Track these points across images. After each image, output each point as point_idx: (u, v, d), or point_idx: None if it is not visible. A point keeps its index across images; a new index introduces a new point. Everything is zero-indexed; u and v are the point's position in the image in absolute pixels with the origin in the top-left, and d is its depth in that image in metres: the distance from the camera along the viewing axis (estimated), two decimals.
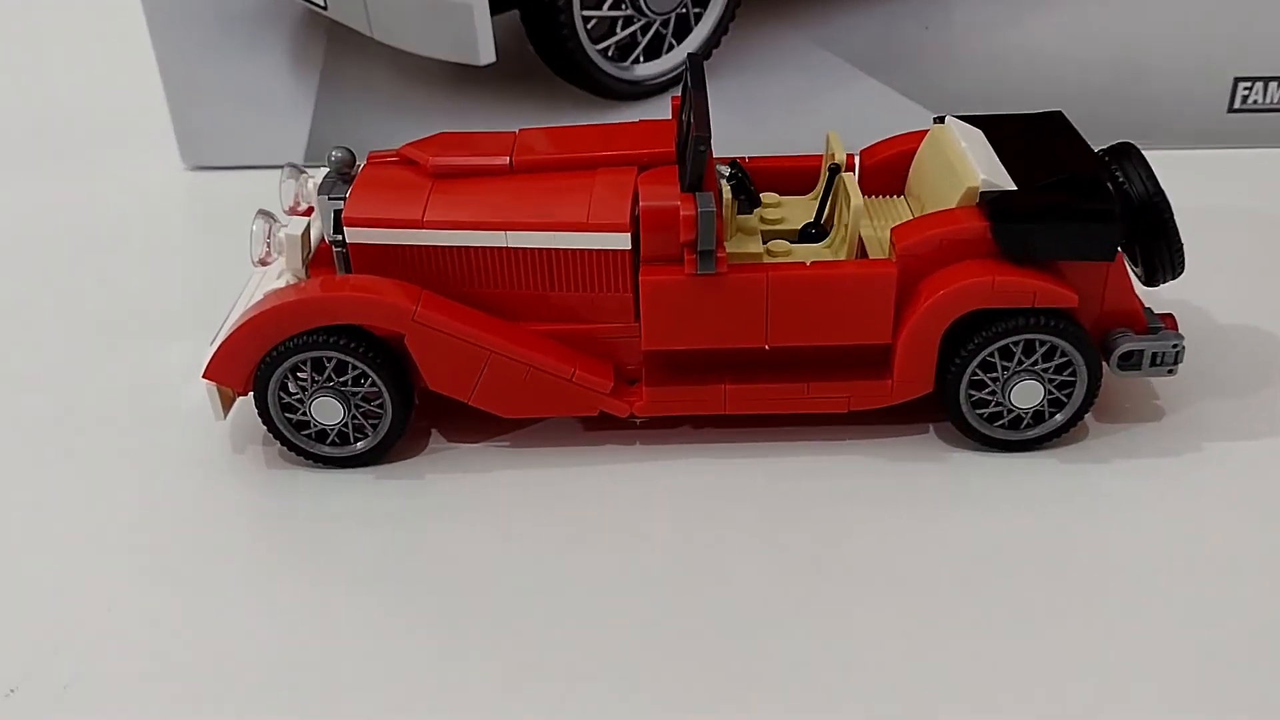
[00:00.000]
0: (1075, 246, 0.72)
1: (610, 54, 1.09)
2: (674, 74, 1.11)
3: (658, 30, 1.09)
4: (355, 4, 1.06)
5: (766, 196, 0.84)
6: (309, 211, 0.82)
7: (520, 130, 0.80)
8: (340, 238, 0.75)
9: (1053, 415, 0.75)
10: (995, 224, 0.71)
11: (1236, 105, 1.10)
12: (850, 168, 0.84)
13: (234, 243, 0.97)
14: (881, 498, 0.73)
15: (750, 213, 0.79)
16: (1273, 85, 1.09)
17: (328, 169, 0.78)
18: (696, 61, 0.80)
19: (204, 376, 0.74)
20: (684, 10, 1.08)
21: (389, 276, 0.74)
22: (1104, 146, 0.80)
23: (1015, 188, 0.73)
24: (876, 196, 0.84)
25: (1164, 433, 0.78)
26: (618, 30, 1.08)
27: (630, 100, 1.12)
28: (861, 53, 1.10)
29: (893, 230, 0.74)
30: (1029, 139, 0.79)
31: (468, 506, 0.74)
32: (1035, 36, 1.09)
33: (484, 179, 0.76)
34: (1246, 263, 0.96)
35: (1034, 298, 0.71)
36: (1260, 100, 1.10)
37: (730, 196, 0.76)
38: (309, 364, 0.73)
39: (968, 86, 1.11)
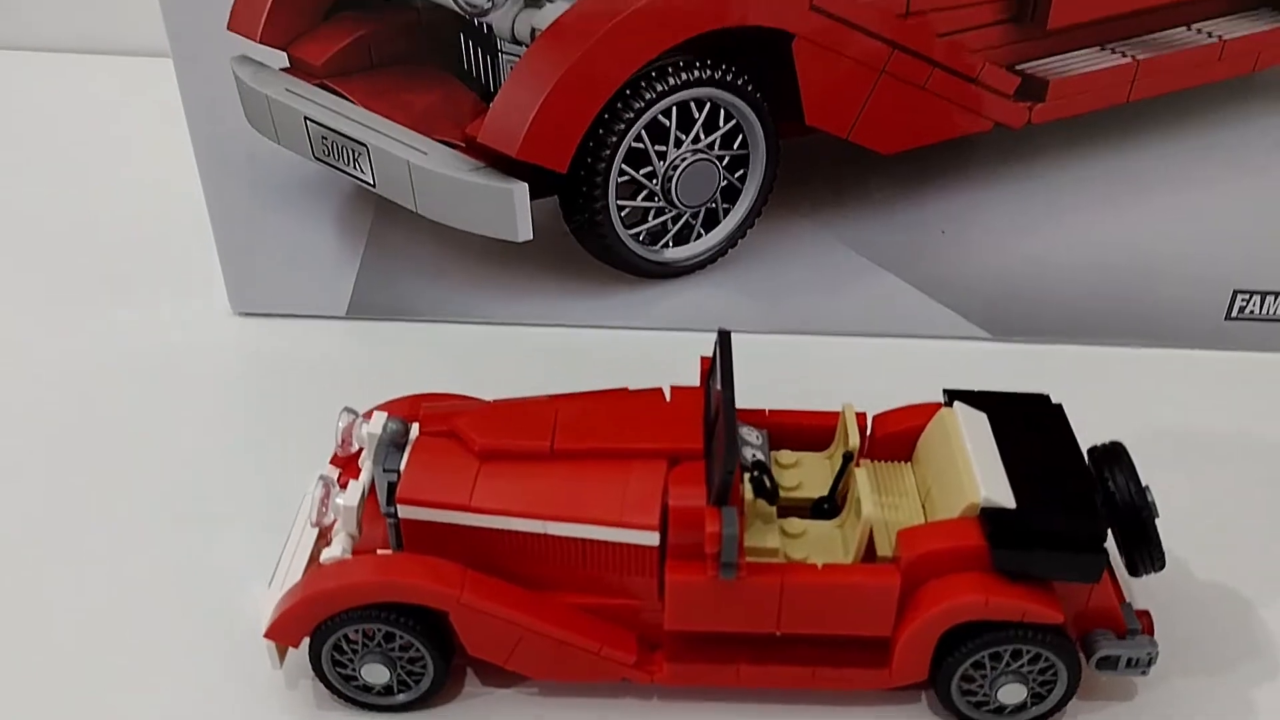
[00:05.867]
0: (1065, 571, 0.79)
1: (641, 238, 1.15)
2: (700, 258, 1.17)
3: (687, 220, 1.15)
4: (402, 184, 1.11)
5: (783, 456, 0.90)
6: (358, 454, 0.89)
7: (559, 405, 0.86)
8: (393, 510, 0.82)
9: (1033, 705, 0.82)
10: (994, 549, 0.78)
11: (1234, 314, 1.16)
12: (862, 427, 0.90)
13: (281, 402, 1.11)
14: None
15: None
16: (1269, 298, 1.15)
17: (381, 434, 0.85)
18: (726, 340, 0.86)
19: (265, 636, 0.81)
20: (714, 205, 1.14)
21: (437, 548, 0.81)
22: (1096, 445, 0.86)
23: (1014, 504, 0.80)
24: (885, 462, 0.91)
25: (1141, 713, 0.85)
26: (649, 218, 1.14)
27: (658, 279, 1.18)
28: (881, 250, 1.16)
29: (899, 535, 0.80)
30: (1029, 433, 0.85)
31: None
32: (1047, 244, 1.14)
33: (526, 463, 0.82)
34: (1231, 503, 1.03)
35: (1023, 615, 0.78)
36: (1256, 311, 1.16)
37: (751, 497, 0.82)
38: (360, 630, 0.81)
39: (980, 285, 1.17)
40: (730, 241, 1.16)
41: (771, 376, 1.13)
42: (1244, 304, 1.16)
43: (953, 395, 0.89)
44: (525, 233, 1.11)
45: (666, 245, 1.15)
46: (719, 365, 0.84)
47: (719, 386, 0.83)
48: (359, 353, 1.19)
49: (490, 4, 1.03)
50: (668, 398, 0.88)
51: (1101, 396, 1.14)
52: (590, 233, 1.13)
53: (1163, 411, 1.13)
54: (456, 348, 1.19)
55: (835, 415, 0.92)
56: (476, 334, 1.21)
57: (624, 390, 0.89)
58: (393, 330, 1.21)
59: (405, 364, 1.18)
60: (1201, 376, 1.17)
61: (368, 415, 0.90)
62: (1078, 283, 1.16)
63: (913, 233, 1.14)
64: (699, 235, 1.15)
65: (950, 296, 1.17)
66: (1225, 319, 1.17)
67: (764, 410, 0.92)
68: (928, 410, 0.90)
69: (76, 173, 1.46)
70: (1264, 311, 1.16)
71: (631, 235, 1.14)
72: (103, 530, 0.98)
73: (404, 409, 0.90)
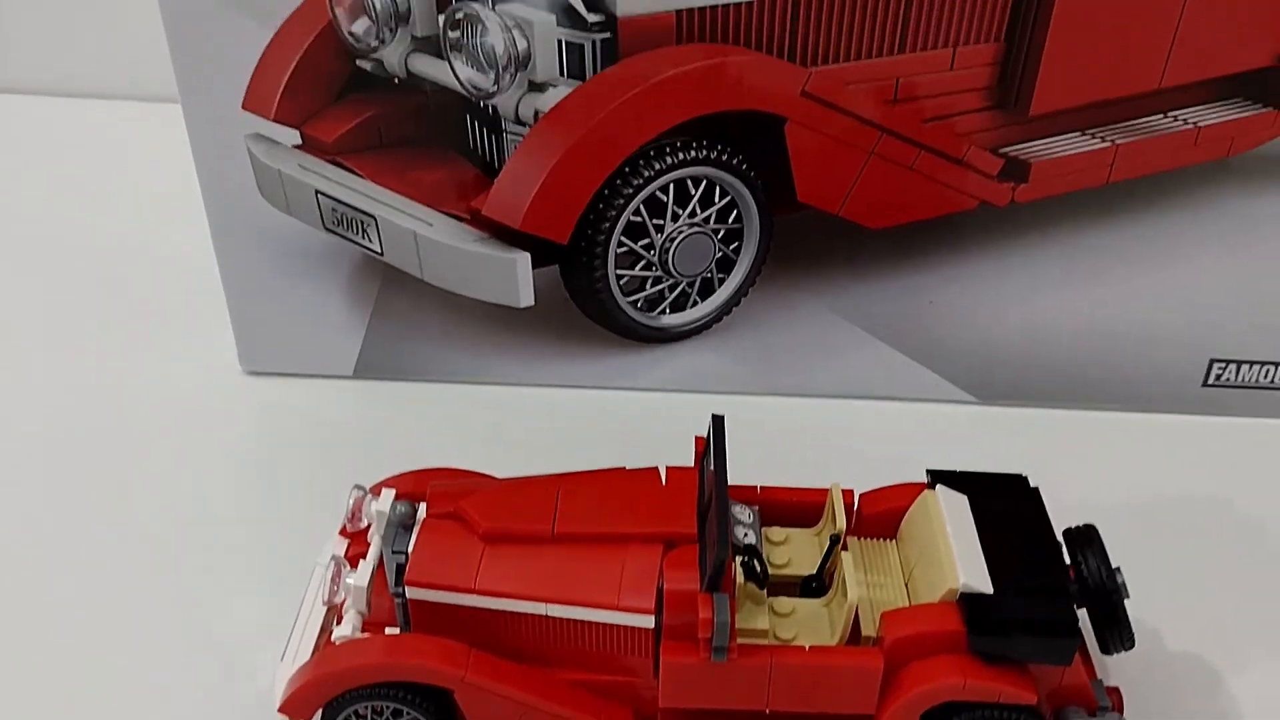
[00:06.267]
0: (1039, 654, 0.83)
1: (639, 305, 1.19)
2: (696, 324, 1.21)
3: (684, 289, 1.19)
4: (409, 253, 1.15)
5: (774, 532, 0.94)
6: (367, 529, 0.93)
7: (560, 486, 0.90)
8: (401, 590, 0.86)
9: None
10: (971, 634, 0.82)
11: (1210, 381, 1.21)
12: (849, 504, 0.95)
13: (290, 460, 1.15)
14: None
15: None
16: (1244, 367, 1.20)
17: (390, 514, 0.89)
18: (720, 426, 0.90)
19: (279, 711, 0.85)
20: (709, 275, 1.18)
21: (444, 627, 0.85)
22: (1070, 527, 0.91)
23: (991, 590, 0.84)
24: (871, 539, 0.95)
25: None
26: (647, 286, 1.18)
27: (655, 343, 1.22)
28: (871, 319, 1.20)
29: (883, 617, 0.85)
30: (1006, 516, 0.89)
31: None
32: (1031, 314, 1.19)
33: (528, 546, 0.87)
34: (1204, 571, 1.08)
35: (999, 696, 0.83)
36: (1232, 379, 1.20)
37: (742, 580, 0.87)
38: (369, 706, 0.85)
39: (967, 352, 1.21)
40: (725, 309, 1.20)
41: (764, 438, 1.17)
42: (1220, 372, 1.20)
43: (935, 476, 0.93)
44: (527, 299, 1.15)
45: (664, 312, 1.20)
46: (712, 450, 0.88)
47: (712, 468, 0.87)
48: (365, 412, 1.23)
49: (495, 88, 1.06)
50: (663, 478, 0.92)
51: (1083, 459, 1.19)
52: (590, 299, 1.17)
53: (1141, 475, 1.17)
54: (460, 407, 1.24)
55: (824, 492, 0.96)
56: (479, 394, 1.25)
57: (622, 471, 0.93)
58: (398, 390, 1.25)
59: (410, 423, 1.22)
60: (1179, 441, 1.21)
61: (375, 490, 0.94)
62: (1061, 351, 1.20)
63: (901, 302, 1.18)
64: (695, 303, 1.20)
65: (938, 362, 1.21)
66: (1202, 386, 1.21)
67: (755, 487, 0.96)
68: (912, 490, 0.94)
69: (86, 225, 1.49)
70: (1239, 379, 1.20)
71: (630, 302, 1.18)
72: (108, 583, 1.02)
73: (410, 484, 0.95)
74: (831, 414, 1.24)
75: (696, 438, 0.95)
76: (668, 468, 0.93)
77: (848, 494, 0.95)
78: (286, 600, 0.95)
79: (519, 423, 1.22)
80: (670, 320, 1.20)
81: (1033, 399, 1.23)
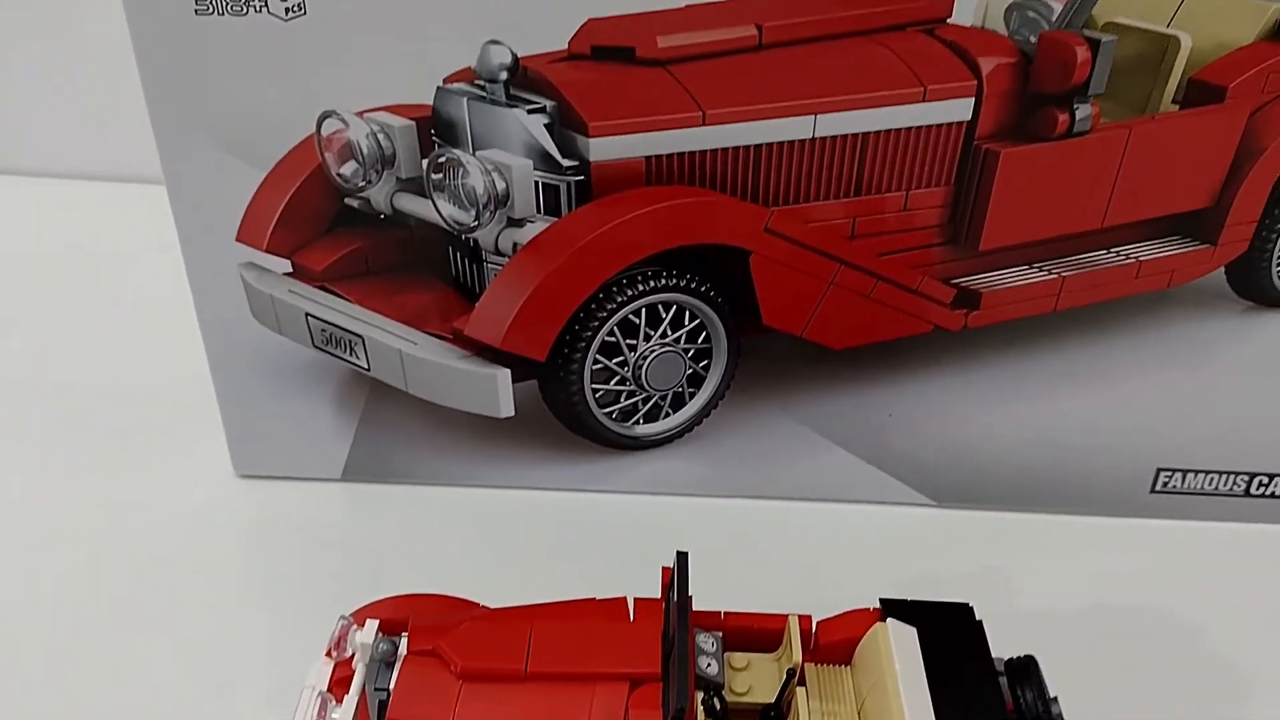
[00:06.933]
0: None
1: (614, 416, 1.25)
2: (668, 434, 1.27)
3: (656, 401, 1.25)
4: (395, 369, 1.21)
5: (736, 658, 1.00)
6: (351, 659, 0.99)
7: (534, 622, 0.96)
8: None
9: None
10: None
11: (1157, 488, 1.27)
12: (806, 631, 1.01)
13: (280, 566, 1.21)
14: None
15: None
16: (1189, 475, 1.26)
17: (373, 653, 0.95)
18: (683, 563, 0.96)
19: None
20: (680, 389, 1.24)
21: None
22: (1012, 658, 0.97)
23: None
24: (828, 665, 1.01)
25: None
26: (621, 399, 1.24)
27: (629, 451, 1.28)
28: (835, 429, 1.26)
29: None
30: (951, 649, 0.95)
31: None
32: (986, 425, 1.25)
33: (503, 685, 0.92)
34: (1144, 677, 1.14)
35: None
36: (1179, 486, 1.27)
37: (703, 717, 0.93)
38: None
39: (925, 460, 1.27)
40: (696, 419, 1.26)
41: (733, 538, 1.24)
42: (1166, 480, 1.26)
43: (887, 606, 0.99)
44: (507, 410, 1.21)
45: (637, 422, 1.25)
46: (676, 587, 0.94)
47: (676, 599, 0.93)
48: (352, 513, 1.29)
49: (477, 223, 1.12)
50: (631, 610, 0.98)
51: (1036, 560, 1.25)
52: (567, 411, 1.23)
53: (1091, 575, 1.23)
54: (442, 508, 1.30)
55: (784, 619, 1.01)
56: (461, 496, 1.31)
57: (592, 603, 0.99)
58: (383, 492, 1.31)
59: (394, 523, 1.28)
60: (1128, 543, 1.27)
61: (360, 619, 1.00)
62: (1016, 458, 1.26)
63: (863, 414, 1.25)
64: (667, 414, 1.25)
65: (897, 468, 1.27)
66: (1150, 492, 1.27)
67: (720, 613, 1.02)
68: (866, 619, 0.99)
69: (78, 324, 1.55)
70: (1184, 486, 1.26)
71: (605, 413, 1.24)
72: (102, 690, 1.07)
73: (393, 611, 1.00)
74: (797, 515, 1.30)
75: (664, 568, 1.01)
76: (635, 600, 0.99)
77: (805, 620, 1.01)
78: (276, 713, 1.00)
79: (499, 524, 1.28)
80: (643, 430, 1.26)
81: (988, 503, 1.29)
